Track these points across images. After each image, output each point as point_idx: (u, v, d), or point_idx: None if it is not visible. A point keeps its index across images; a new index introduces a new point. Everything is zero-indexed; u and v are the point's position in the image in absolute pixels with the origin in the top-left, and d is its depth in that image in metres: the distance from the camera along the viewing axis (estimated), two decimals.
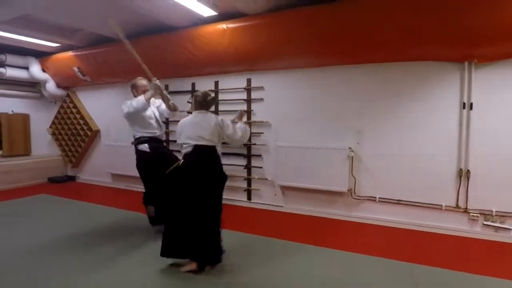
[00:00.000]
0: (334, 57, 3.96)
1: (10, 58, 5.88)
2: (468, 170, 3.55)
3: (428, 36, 3.35)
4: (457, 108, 3.59)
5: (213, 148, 2.79)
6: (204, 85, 4.99)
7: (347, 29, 3.59)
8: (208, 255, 2.73)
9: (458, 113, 3.58)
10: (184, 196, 2.74)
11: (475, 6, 3.02)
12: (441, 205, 3.68)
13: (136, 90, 3.68)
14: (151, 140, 3.60)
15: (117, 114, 6.04)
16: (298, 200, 4.45)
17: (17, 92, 6.47)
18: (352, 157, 4.03)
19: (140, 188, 5.52)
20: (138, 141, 3.65)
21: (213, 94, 3.05)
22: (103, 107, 6.24)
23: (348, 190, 4.06)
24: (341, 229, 3.86)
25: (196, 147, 2.74)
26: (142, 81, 3.70)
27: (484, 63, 3.41)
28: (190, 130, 2.79)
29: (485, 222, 3.53)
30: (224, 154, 4.86)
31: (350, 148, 4.02)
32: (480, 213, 3.54)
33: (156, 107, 3.79)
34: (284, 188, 4.52)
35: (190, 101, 5.07)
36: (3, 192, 5.73)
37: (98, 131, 6.35)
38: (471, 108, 3.51)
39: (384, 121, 3.92)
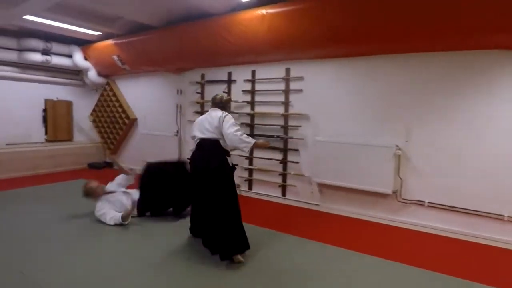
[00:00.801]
0: (383, 44, 3.57)
1: (55, 47, 6.06)
2: None
3: (495, 22, 2.90)
4: None
5: (215, 141, 2.84)
6: (241, 74, 4.82)
7: (398, 14, 3.21)
8: (222, 246, 2.70)
9: None
10: (194, 187, 2.97)
11: None
12: (503, 216, 3.24)
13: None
14: None
15: (154, 103, 6.10)
16: (336, 199, 4.16)
17: (61, 80, 6.70)
18: (399, 155, 3.66)
19: None
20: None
21: (228, 96, 3.31)
22: (141, 96, 6.28)
23: (393, 192, 3.70)
24: (384, 234, 3.53)
25: (201, 140, 2.90)
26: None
27: None
28: (200, 124, 2.96)
29: None
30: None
31: (397, 146, 3.65)
32: None
33: None
34: (322, 186, 4.25)
35: (226, 91, 4.93)
36: (48, 175, 5.98)
37: (135, 120, 6.42)
38: None
39: (439, 117, 3.50)
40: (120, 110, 6.52)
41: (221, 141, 2.84)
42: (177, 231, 3.38)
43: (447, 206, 3.49)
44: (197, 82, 5.29)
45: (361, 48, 3.75)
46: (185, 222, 3.39)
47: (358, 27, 3.45)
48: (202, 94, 5.28)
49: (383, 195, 3.81)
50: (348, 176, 3.95)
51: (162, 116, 5.89)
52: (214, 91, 5.06)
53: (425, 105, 3.56)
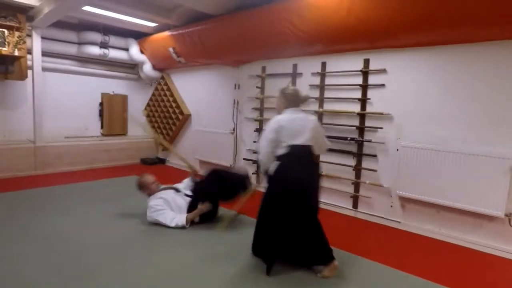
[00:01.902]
0: (498, 26, 2.79)
1: (113, 40, 5.96)
2: None
3: None
4: None
5: (312, 149, 2.55)
6: (308, 66, 4.26)
7: None
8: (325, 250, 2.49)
9: None
10: (290, 203, 2.48)
11: None
12: None
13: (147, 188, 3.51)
14: None
15: (209, 98, 5.75)
16: (424, 217, 3.45)
17: (117, 73, 6.62)
18: None
19: None
20: None
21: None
22: (195, 90, 5.97)
23: (506, 216, 2.94)
24: (492, 266, 2.81)
25: (302, 148, 2.51)
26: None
27: None
28: (301, 129, 2.56)
29: None
30: (328, 150, 4.11)
31: None
32: None
33: None
34: (404, 200, 3.57)
35: (290, 85, 4.39)
36: (103, 169, 5.92)
37: (189, 115, 6.13)
38: None
39: None
40: (174, 105, 6.28)
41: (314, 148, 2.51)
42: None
43: None
44: (257, 76, 4.82)
45: (465, 32, 2.97)
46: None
47: (464, 4, 2.71)
48: (262, 89, 4.80)
49: (490, 218, 3.04)
50: (441, 191, 3.23)
51: (218, 112, 5.52)
52: (276, 85, 4.56)
53: None
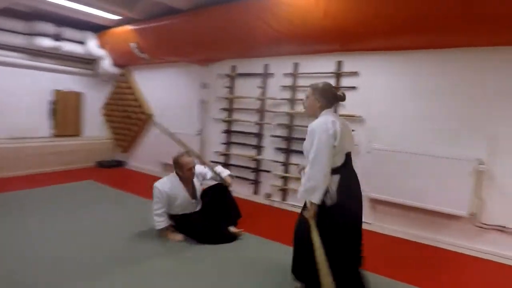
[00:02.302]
0: (466, 33, 2.91)
1: (68, 32, 5.45)
2: None
3: None
4: None
5: None
6: (280, 67, 4.20)
7: None
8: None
9: None
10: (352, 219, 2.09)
11: None
12: None
13: (179, 170, 3.09)
14: None
15: (174, 98, 5.48)
16: (393, 218, 3.52)
17: (72, 69, 6.09)
18: (481, 172, 3.02)
19: None
20: None
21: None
22: (160, 90, 5.66)
23: (469, 215, 3.07)
24: (455, 263, 2.90)
25: (348, 155, 2.15)
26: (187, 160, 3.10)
27: None
28: (348, 134, 2.17)
29: None
30: (298, 152, 4.09)
31: (478, 160, 3.01)
32: None
33: None
34: (375, 202, 3.61)
35: (262, 86, 4.31)
36: (53, 174, 5.39)
37: (152, 116, 5.79)
38: None
39: None
40: (135, 104, 5.92)
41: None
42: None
43: None
44: (227, 75, 4.67)
45: (435, 38, 3.08)
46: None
47: (443, 11, 2.80)
48: (231, 88, 4.65)
49: (456, 217, 3.16)
50: (410, 192, 3.31)
51: (183, 112, 5.27)
52: (246, 85, 4.49)
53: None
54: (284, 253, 2.82)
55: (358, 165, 3.57)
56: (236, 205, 3.35)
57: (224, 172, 3.37)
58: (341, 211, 1.94)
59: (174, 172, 3.09)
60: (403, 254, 3.05)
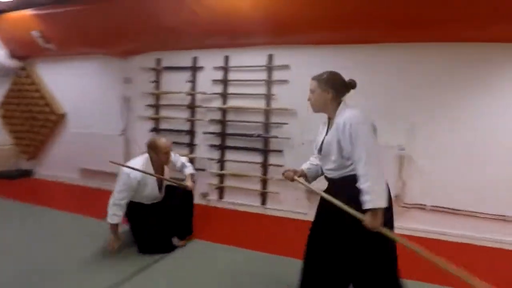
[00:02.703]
0: (385, 31, 3.14)
1: None
2: None
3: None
4: None
5: None
6: (210, 60, 4.02)
7: None
8: None
9: None
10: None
11: None
12: (504, 216, 3.07)
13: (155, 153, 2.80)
14: None
15: (90, 94, 4.86)
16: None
17: None
18: (402, 156, 3.29)
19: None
20: None
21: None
22: (72, 85, 4.95)
23: (395, 197, 3.33)
24: None
25: None
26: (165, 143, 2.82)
27: None
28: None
29: None
30: (233, 148, 3.98)
31: (400, 145, 3.28)
32: None
33: None
34: (310, 192, 3.70)
35: (191, 80, 4.08)
36: None
37: (64, 115, 5.08)
38: None
39: (444, 113, 3.21)
40: (41, 102, 5.11)
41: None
42: None
43: (450, 209, 3.23)
44: (152, 69, 4.30)
45: (364, 33, 3.25)
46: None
47: (367, 8, 2.95)
48: (158, 83, 4.31)
49: None
50: None
51: (103, 110, 4.72)
52: (174, 80, 4.22)
53: (430, 100, 3.25)
54: (232, 255, 2.74)
55: (293, 158, 3.70)
56: (192, 221, 3.05)
57: (189, 168, 3.10)
58: (390, 215, 1.67)
59: (147, 155, 2.80)
60: None
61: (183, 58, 4.14)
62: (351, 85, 1.86)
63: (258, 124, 3.80)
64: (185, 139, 4.17)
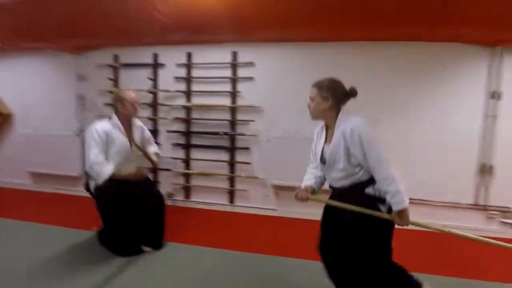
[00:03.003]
0: (348, 29, 3.23)
1: None
2: (491, 166, 3.26)
3: (458, 15, 2.88)
4: (483, 98, 3.24)
5: None
6: (172, 57, 3.89)
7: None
8: None
9: (484, 104, 3.24)
10: None
11: None
12: (459, 203, 3.35)
13: (122, 104, 2.66)
14: None
15: (40, 93, 4.47)
16: (295, 202, 3.70)
17: None
18: None
19: (74, 191, 4.20)
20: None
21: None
22: (19, 83, 4.50)
23: None
24: None
25: None
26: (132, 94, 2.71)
27: None
28: None
29: (503, 220, 3.31)
30: (198, 146, 3.91)
31: None
32: (499, 211, 3.30)
33: None
34: (278, 188, 3.75)
35: (152, 77, 3.93)
36: None
37: (10, 116, 4.63)
38: (499, 98, 3.20)
39: (398, 109, 3.41)
40: None
41: None
42: None
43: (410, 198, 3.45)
44: (109, 66, 4.07)
45: (326, 32, 3.31)
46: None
47: (329, 6, 3.02)
48: (116, 81, 4.08)
49: None
50: None
51: (55, 110, 4.36)
52: (133, 77, 4.03)
53: (391, 96, 3.42)
54: (205, 256, 2.72)
55: (260, 154, 3.72)
56: (163, 234, 2.88)
57: (154, 147, 3.00)
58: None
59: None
60: (310, 234, 3.27)
61: (143, 55, 3.96)
62: (352, 93, 1.84)
63: (224, 122, 3.76)
64: None
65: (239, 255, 2.76)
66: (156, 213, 2.79)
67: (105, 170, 2.50)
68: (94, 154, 2.49)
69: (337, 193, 1.87)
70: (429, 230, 1.95)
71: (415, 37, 3.23)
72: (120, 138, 2.63)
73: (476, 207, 3.34)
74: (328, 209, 1.95)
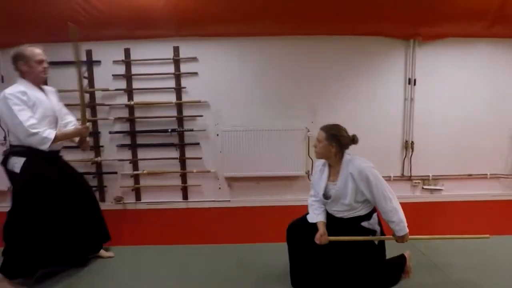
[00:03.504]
0: (287, 24, 3.44)
1: None
2: (412, 142, 3.81)
3: (379, 13, 3.30)
4: (403, 84, 3.75)
5: None
6: (107, 53, 3.66)
7: None
8: None
9: (403, 89, 3.76)
10: None
11: None
12: (390, 176, 3.86)
13: (25, 63, 2.24)
14: None
15: None
16: (248, 191, 3.88)
17: None
18: (309, 137, 3.73)
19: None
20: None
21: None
22: None
23: (306, 173, 3.77)
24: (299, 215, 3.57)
25: None
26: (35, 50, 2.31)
27: (428, 41, 3.61)
28: None
29: (424, 187, 3.92)
30: (145, 145, 3.78)
31: (307, 128, 3.70)
32: (421, 179, 3.90)
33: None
34: (231, 180, 3.86)
35: (87, 76, 3.66)
36: None
37: None
38: (415, 83, 3.73)
39: (336, 97, 3.76)
40: None
41: None
42: None
43: None
44: None
45: (266, 26, 3.48)
46: None
47: (259, 3, 3.18)
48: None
49: (296, 178, 3.83)
50: (259, 165, 3.73)
51: None
52: (63, 76, 3.69)
53: (324, 87, 3.75)
54: (165, 253, 2.72)
55: (210, 149, 3.77)
56: (105, 223, 2.68)
57: (72, 118, 2.59)
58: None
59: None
60: (261, 219, 3.49)
61: (70, 52, 3.64)
62: (354, 140, 2.08)
63: (171, 118, 3.70)
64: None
65: (201, 248, 2.83)
66: (89, 209, 2.55)
67: (48, 133, 2.14)
68: (27, 116, 2.08)
69: (333, 220, 2.11)
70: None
71: (346, 31, 3.57)
72: (42, 99, 2.23)
73: (403, 178, 3.89)
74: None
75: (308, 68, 3.69)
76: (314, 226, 2.08)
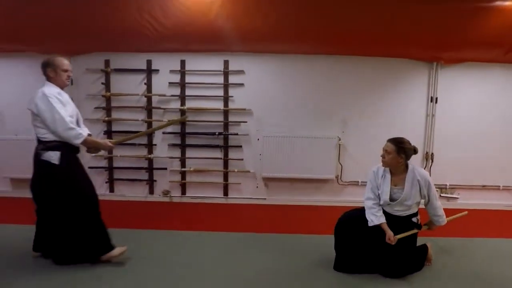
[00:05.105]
0: (319, 45, 3.92)
1: None
2: (432, 153, 4.24)
3: (407, 38, 3.76)
4: (425, 101, 4.21)
5: None
6: (165, 63, 4.17)
7: (339, 20, 3.63)
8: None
9: (425, 106, 4.21)
10: None
11: (446, 19, 3.49)
12: None
13: (53, 70, 2.52)
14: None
15: (17, 96, 4.34)
16: (282, 191, 4.32)
17: None
18: (339, 145, 4.17)
19: None
20: None
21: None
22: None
23: (335, 177, 4.21)
24: (329, 214, 3.97)
25: None
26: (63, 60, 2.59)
27: (449, 64, 4.08)
28: None
29: (441, 194, 4.32)
30: (194, 146, 4.24)
31: (338, 137, 4.15)
32: (439, 188, 4.30)
33: None
34: (267, 180, 4.31)
35: (146, 82, 4.16)
36: None
37: None
38: (436, 102, 4.18)
39: (365, 111, 4.21)
40: None
41: None
42: None
43: None
44: (101, 70, 4.17)
45: (303, 46, 4.00)
46: None
47: (307, 26, 3.65)
48: (107, 85, 4.20)
49: (326, 181, 4.26)
50: (293, 168, 4.17)
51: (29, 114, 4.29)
52: (126, 82, 4.21)
53: (354, 101, 4.21)
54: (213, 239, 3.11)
55: (250, 151, 4.23)
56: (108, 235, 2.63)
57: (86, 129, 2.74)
58: None
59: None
60: (295, 217, 3.92)
61: (135, 61, 4.16)
62: (415, 151, 2.48)
63: (218, 123, 4.18)
64: (143, 140, 4.23)
65: (243, 235, 3.27)
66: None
67: (82, 130, 2.44)
68: (66, 113, 2.36)
69: (392, 219, 2.47)
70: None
71: (377, 53, 4.04)
72: (70, 101, 2.52)
73: None
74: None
75: (341, 84, 4.16)
76: (363, 220, 2.49)
